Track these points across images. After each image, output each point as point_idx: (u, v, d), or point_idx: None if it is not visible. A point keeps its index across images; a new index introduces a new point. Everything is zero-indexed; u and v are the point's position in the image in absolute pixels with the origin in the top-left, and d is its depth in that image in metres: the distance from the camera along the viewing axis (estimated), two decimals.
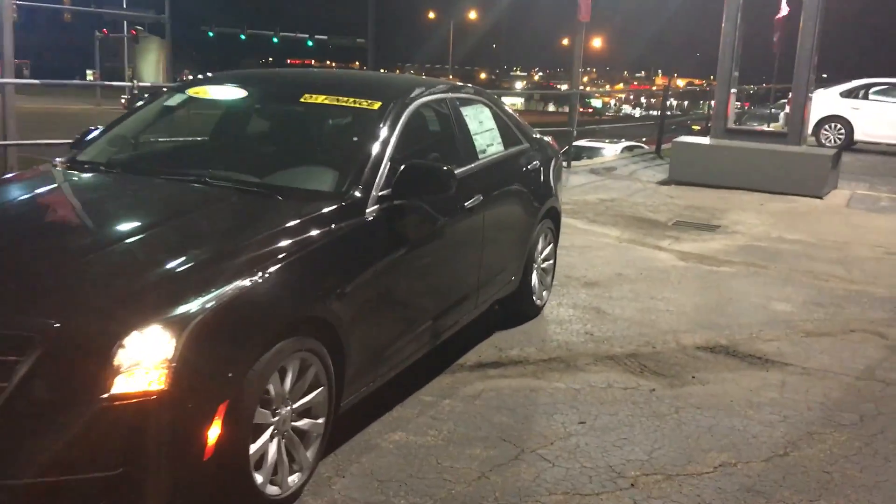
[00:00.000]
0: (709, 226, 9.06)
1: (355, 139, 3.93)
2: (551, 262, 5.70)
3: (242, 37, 51.08)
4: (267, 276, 2.89)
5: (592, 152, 18.84)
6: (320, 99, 4.08)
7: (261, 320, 2.82)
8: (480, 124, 4.83)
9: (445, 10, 66.78)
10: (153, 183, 3.62)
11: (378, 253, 3.49)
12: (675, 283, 6.59)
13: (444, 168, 3.70)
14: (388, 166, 3.70)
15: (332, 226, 3.30)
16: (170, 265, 2.80)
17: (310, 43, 52.46)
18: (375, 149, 3.73)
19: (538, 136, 5.82)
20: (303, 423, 3.13)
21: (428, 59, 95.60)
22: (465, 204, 4.23)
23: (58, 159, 3.98)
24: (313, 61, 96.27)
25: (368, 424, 3.81)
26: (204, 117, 4.47)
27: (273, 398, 2.92)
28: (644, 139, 23.13)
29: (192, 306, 2.63)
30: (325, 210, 3.37)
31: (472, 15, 65.33)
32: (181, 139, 4.84)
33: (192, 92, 4.27)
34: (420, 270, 3.87)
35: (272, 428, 2.95)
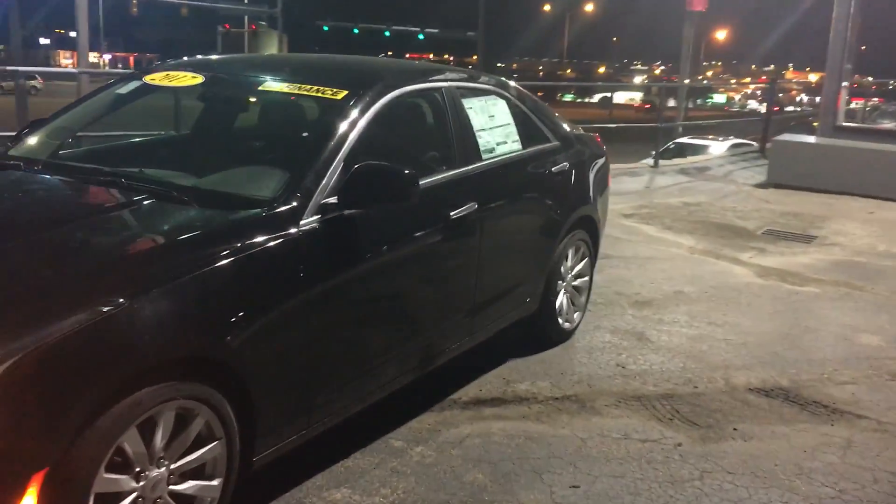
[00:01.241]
0: (803, 236, 8.00)
1: (305, 135, 3.31)
2: (586, 278, 4.92)
3: (355, 31, 51.47)
4: (130, 305, 2.30)
5: (695, 150, 17.58)
6: (280, 87, 3.48)
7: (107, 364, 2.22)
8: (490, 119, 4.12)
9: (561, 2, 65.42)
10: (58, 184, 3.11)
11: (311, 275, 2.85)
12: (744, 305, 5.68)
13: (405, 171, 3.02)
14: (340, 168, 3.06)
15: (244, 241, 2.68)
16: None
17: (421, 36, 52.30)
18: (327, 147, 3.10)
19: (576, 132, 5.05)
20: (187, 486, 2.53)
21: (543, 52, 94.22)
22: (452, 214, 3.54)
23: None
24: (432, 55, 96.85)
25: (311, 476, 3.19)
26: (162, 108, 3.94)
27: (133, 459, 2.34)
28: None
29: (7, 346, 2.07)
30: (238, 221, 2.77)
31: (590, 7, 63.67)
32: (133, 133, 4.33)
33: (148, 79, 3.75)
34: (376, 296, 3.21)
35: (135, 495, 2.37)
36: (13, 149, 3.53)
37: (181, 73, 3.70)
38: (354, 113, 3.25)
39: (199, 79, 3.66)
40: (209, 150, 3.65)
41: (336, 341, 3.03)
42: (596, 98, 66.86)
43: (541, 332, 4.66)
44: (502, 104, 4.28)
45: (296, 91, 3.43)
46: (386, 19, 49.91)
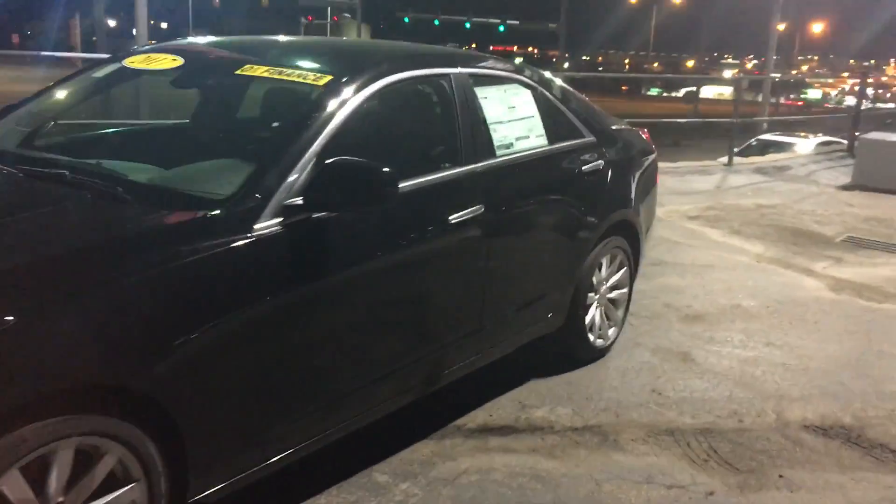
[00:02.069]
0: (889, 245, 7.24)
1: (276, 125, 2.92)
2: (624, 290, 4.40)
3: (436, 22, 51.11)
4: (18, 324, 1.94)
5: (780, 147, 16.58)
6: (259, 71, 3.09)
7: None
8: (510, 111, 3.65)
9: None
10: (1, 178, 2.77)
11: (266, 288, 2.45)
12: (811, 324, 5.06)
13: (383, 169, 2.59)
14: (311, 165, 2.65)
15: (178, 248, 2.30)
16: None
17: (502, 28, 51.57)
18: (298, 140, 2.69)
19: (618, 127, 4.53)
20: None
21: (627, 45, 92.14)
22: (452, 218, 3.10)
23: None
24: (516, 47, 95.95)
25: None
26: (144, 93, 3.60)
27: None
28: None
29: None
30: (176, 224, 2.39)
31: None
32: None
33: (128, 62, 3.41)
34: (351, 313, 2.79)
35: None
36: None
37: (161, 56, 3.35)
38: (334, 102, 2.83)
39: (179, 61, 3.30)
40: (182, 140, 3.30)
41: (296, 366, 2.61)
42: (681, 92, 64.98)
43: (568, 350, 4.17)
44: (526, 94, 3.80)
45: (276, 76, 3.04)
46: (467, 11, 49.44)
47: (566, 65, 61.86)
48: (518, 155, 3.59)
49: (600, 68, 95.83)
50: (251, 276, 2.43)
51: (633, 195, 4.36)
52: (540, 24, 50.08)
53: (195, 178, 2.77)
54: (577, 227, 3.90)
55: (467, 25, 51.23)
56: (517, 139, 3.64)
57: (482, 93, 3.52)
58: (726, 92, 65.27)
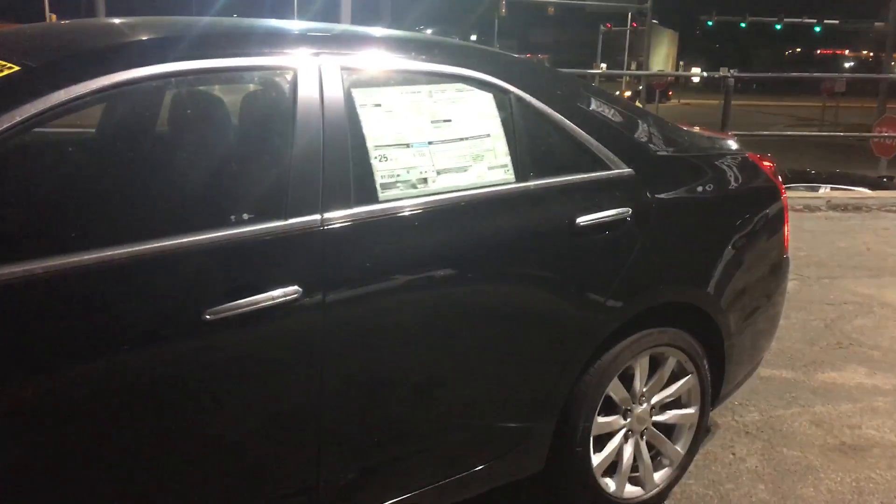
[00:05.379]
0: None
1: None
2: (686, 412, 2.77)
3: (743, 25, 47.14)
4: None
5: None
6: None
7: None
8: (438, 127, 2.27)
9: None
10: None
11: None
12: None
13: None
14: None
15: None
16: None
17: (818, 28, 46.15)
18: None
19: (694, 155, 2.89)
20: None
21: None
22: (208, 314, 1.81)
23: None
24: (839, 51, 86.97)
25: None
26: None
27: None
28: None
29: None
30: None
31: None
32: None
33: None
34: None
35: None
36: None
37: None
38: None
39: None
40: None
41: None
42: None
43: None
44: (482, 100, 2.37)
45: None
46: (778, 11, 44.85)
47: None
48: (430, 199, 2.19)
49: None
50: None
51: (709, 263, 2.72)
52: (864, 22, 44.26)
53: None
54: (559, 313, 2.38)
55: (778, 27, 46.67)
56: (440, 173, 2.24)
57: (371, 97, 2.18)
58: None
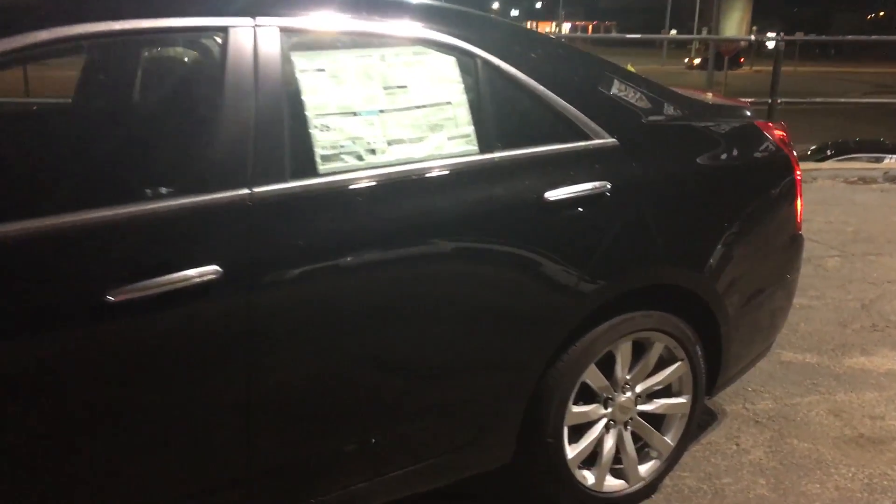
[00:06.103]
0: None
1: None
2: (677, 401, 2.58)
3: None
4: None
5: None
6: None
7: None
8: (392, 94, 2.11)
9: None
10: None
11: None
12: None
13: None
14: None
15: None
16: None
17: None
18: None
19: (695, 122, 2.66)
20: None
21: None
22: (109, 295, 1.69)
23: None
24: None
25: None
26: None
27: None
28: None
29: None
30: None
31: None
32: None
33: None
34: None
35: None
36: None
37: None
38: None
39: None
40: None
41: None
42: None
43: (548, 499, 2.50)
44: (442, 64, 2.20)
45: None
46: None
47: None
48: (377, 172, 2.04)
49: None
50: None
51: (703, 242, 2.51)
52: None
53: None
54: (523, 297, 2.21)
55: None
56: (391, 143, 2.09)
57: (313, 62, 2.02)
58: None
